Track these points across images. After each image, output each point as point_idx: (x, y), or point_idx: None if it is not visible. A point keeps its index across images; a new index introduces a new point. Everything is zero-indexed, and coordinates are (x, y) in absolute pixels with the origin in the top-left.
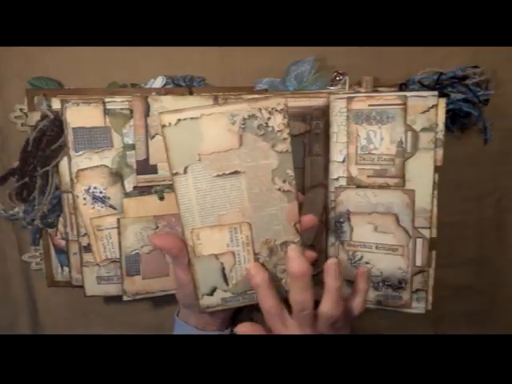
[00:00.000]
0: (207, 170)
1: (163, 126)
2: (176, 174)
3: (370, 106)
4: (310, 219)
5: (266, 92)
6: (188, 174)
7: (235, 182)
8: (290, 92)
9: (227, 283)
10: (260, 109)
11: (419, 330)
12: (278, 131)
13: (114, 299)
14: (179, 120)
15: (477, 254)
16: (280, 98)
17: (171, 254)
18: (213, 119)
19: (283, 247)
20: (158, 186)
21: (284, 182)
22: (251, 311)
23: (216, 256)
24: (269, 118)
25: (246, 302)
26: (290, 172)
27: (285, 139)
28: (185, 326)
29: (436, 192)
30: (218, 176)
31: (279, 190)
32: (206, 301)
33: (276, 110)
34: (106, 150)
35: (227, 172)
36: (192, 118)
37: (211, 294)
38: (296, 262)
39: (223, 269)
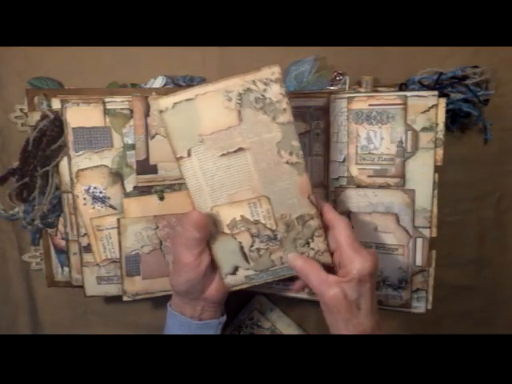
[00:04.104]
0: (211, 151)
1: (161, 112)
2: (180, 158)
3: (370, 105)
4: None
5: None
6: (192, 157)
7: (241, 159)
8: (290, 92)
9: (248, 261)
10: (254, 81)
11: (419, 329)
12: (277, 102)
13: (114, 299)
14: (175, 104)
15: (477, 254)
16: (274, 67)
17: (200, 232)
18: (208, 98)
19: (299, 221)
20: (158, 185)
21: (291, 154)
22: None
23: (233, 236)
24: (265, 90)
25: (271, 278)
26: (296, 143)
27: (285, 110)
28: (179, 316)
29: (436, 192)
30: (223, 155)
31: (287, 163)
32: (230, 280)
33: (271, 81)
34: (106, 150)
35: (231, 150)
36: (187, 100)
37: (234, 272)
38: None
39: (241, 247)
